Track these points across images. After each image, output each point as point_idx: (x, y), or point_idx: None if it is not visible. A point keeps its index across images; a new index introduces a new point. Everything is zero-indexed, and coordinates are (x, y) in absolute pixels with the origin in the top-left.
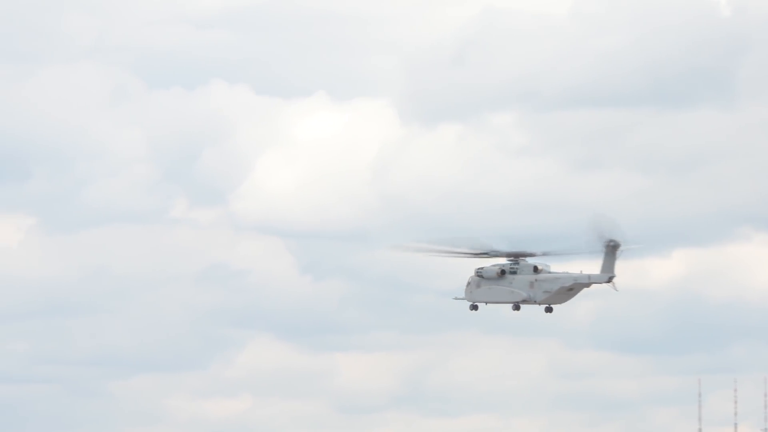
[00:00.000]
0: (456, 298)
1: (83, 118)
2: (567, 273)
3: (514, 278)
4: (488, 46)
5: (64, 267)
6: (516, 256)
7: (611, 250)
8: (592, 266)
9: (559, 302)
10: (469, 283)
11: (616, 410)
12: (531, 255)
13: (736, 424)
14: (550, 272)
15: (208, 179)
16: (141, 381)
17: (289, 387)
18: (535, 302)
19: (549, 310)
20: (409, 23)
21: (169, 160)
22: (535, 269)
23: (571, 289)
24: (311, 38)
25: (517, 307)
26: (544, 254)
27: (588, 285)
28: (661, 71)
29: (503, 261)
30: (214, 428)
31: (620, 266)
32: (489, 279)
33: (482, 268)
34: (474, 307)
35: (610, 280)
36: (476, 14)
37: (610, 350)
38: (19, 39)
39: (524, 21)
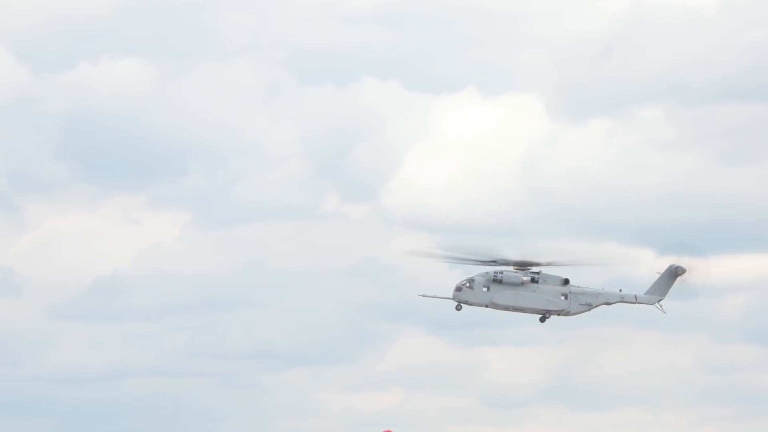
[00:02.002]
0: (423, 296)
1: (237, 115)
2: (606, 290)
3: (538, 287)
4: (637, 39)
5: (218, 262)
6: (523, 266)
7: (673, 275)
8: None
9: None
10: (468, 286)
11: (766, 405)
12: (537, 264)
13: None
14: (582, 286)
15: (359, 175)
16: (293, 375)
17: (440, 381)
18: (567, 314)
19: (543, 319)
20: (558, 18)
21: (320, 156)
22: (566, 282)
23: (609, 304)
24: (461, 34)
25: (544, 318)
26: (549, 264)
27: (633, 304)
28: None
29: (510, 269)
30: (365, 422)
31: (675, 289)
32: (508, 284)
33: (502, 273)
34: (459, 307)
35: (658, 302)
36: (626, 8)
37: (761, 344)
38: (176, 37)
39: (673, 14)
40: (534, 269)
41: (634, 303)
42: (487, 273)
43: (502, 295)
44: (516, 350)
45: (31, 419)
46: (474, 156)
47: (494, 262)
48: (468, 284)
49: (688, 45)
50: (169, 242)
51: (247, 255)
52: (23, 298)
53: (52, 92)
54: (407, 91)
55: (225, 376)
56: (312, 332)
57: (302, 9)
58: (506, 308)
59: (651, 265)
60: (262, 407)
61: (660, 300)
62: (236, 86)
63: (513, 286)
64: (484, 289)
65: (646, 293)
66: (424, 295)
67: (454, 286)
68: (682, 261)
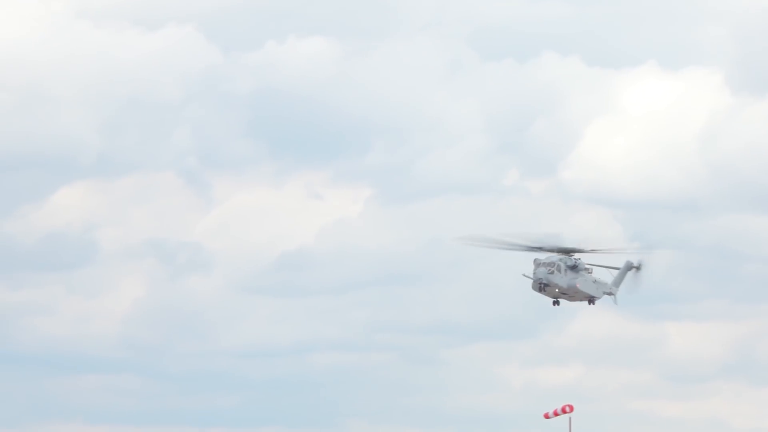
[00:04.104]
0: (525, 275)
1: (420, 92)
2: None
3: (589, 274)
4: None
5: (400, 237)
6: (567, 252)
7: (627, 268)
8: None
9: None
10: (555, 268)
11: None
12: (581, 251)
13: None
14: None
15: (539, 150)
16: (474, 350)
17: (620, 356)
18: (594, 301)
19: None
20: None
21: (500, 132)
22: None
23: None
24: (641, 9)
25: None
26: (593, 251)
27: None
28: None
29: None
30: (546, 396)
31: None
32: (580, 270)
33: (579, 258)
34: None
35: (611, 293)
36: None
37: None
38: (360, 16)
39: None
40: (576, 255)
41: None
42: (561, 259)
43: (581, 280)
44: (696, 325)
45: (218, 393)
46: (654, 130)
47: (540, 249)
48: (553, 268)
49: None
50: (352, 218)
51: (428, 230)
52: (211, 273)
53: (239, 71)
54: (587, 67)
55: (407, 350)
56: (493, 307)
57: None
58: (576, 294)
59: None
60: (443, 382)
61: (613, 292)
62: (418, 63)
63: (584, 271)
64: (565, 273)
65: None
66: (525, 275)
67: (538, 270)
68: (639, 256)
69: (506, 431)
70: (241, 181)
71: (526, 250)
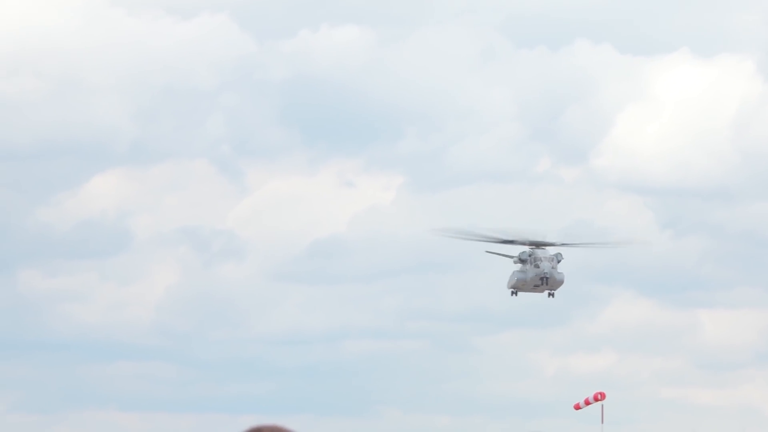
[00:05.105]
0: (489, 252)
1: (452, 79)
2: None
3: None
4: None
5: (432, 224)
6: (538, 245)
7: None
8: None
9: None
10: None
11: None
12: (551, 245)
13: None
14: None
15: (571, 137)
16: (506, 337)
17: (652, 343)
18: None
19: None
20: None
21: (532, 119)
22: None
23: None
24: None
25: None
26: (563, 245)
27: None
28: None
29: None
30: (578, 383)
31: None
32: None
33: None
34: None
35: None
36: None
37: None
38: (393, 4)
39: None
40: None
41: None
42: (556, 253)
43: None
44: (729, 312)
45: (251, 380)
46: (686, 118)
47: (512, 242)
48: (554, 263)
49: None
50: (384, 205)
51: (460, 217)
52: (243, 260)
53: (273, 59)
54: (620, 54)
55: (439, 337)
56: (525, 296)
57: None
58: (558, 287)
59: None
60: (475, 369)
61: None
62: (451, 50)
63: (550, 261)
64: (557, 267)
65: None
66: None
67: (543, 264)
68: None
69: (538, 419)
70: (274, 168)
71: (499, 243)
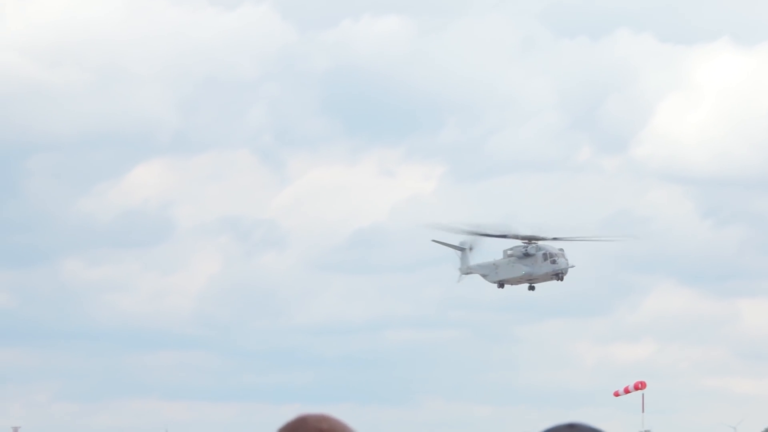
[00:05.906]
0: (435, 241)
1: (493, 69)
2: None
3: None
4: None
5: (472, 214)
6: (530, 240)
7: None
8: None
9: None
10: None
11: None
12: (543, 239)
13: None
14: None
15: (612, 126)
16: (547, 327)
17: (692, 332)
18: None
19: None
20: None
21: (573, 108)
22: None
23: None
24: None
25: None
26: (554, 239)
27: None
28: None
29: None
30: (618, 373)
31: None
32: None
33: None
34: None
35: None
36: None
37: None
38: None
39: None
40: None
41: None
42: (554, 247)
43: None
44: None
45: (292, 370)
46: (726, 107)
47: (504, 236)
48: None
49: None
50: (425, 195)
51: (501, 207)
52: (285, 250)
53: (315, 50)
54: (660, 43)
55: (479, 327)
56: (565, 284)
57: None
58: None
59: None
60: (516, 359)
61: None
62: (492, 40)
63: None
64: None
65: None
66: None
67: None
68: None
69: (579, 408)
70: (316, 158)
71: (492, 238)
